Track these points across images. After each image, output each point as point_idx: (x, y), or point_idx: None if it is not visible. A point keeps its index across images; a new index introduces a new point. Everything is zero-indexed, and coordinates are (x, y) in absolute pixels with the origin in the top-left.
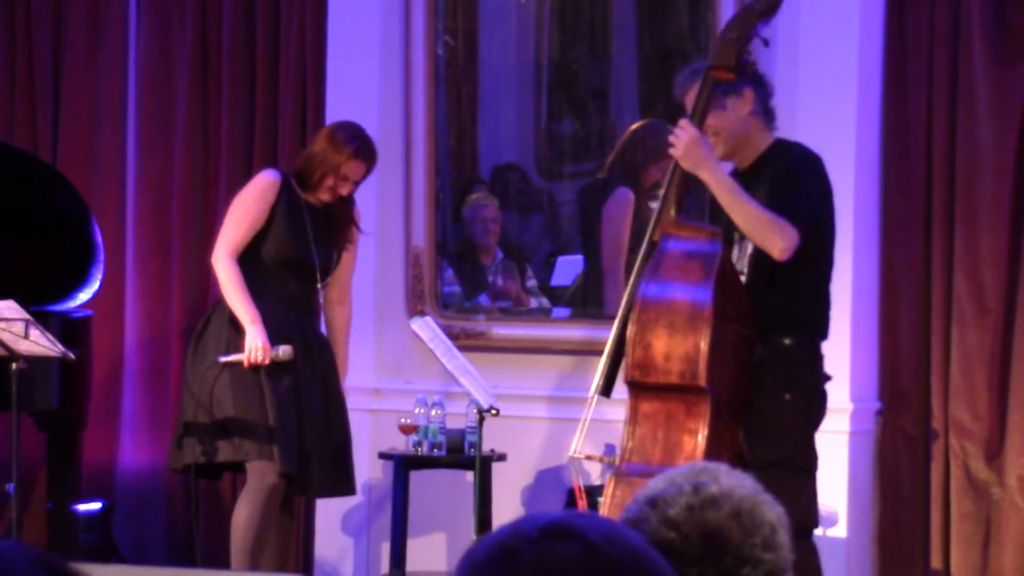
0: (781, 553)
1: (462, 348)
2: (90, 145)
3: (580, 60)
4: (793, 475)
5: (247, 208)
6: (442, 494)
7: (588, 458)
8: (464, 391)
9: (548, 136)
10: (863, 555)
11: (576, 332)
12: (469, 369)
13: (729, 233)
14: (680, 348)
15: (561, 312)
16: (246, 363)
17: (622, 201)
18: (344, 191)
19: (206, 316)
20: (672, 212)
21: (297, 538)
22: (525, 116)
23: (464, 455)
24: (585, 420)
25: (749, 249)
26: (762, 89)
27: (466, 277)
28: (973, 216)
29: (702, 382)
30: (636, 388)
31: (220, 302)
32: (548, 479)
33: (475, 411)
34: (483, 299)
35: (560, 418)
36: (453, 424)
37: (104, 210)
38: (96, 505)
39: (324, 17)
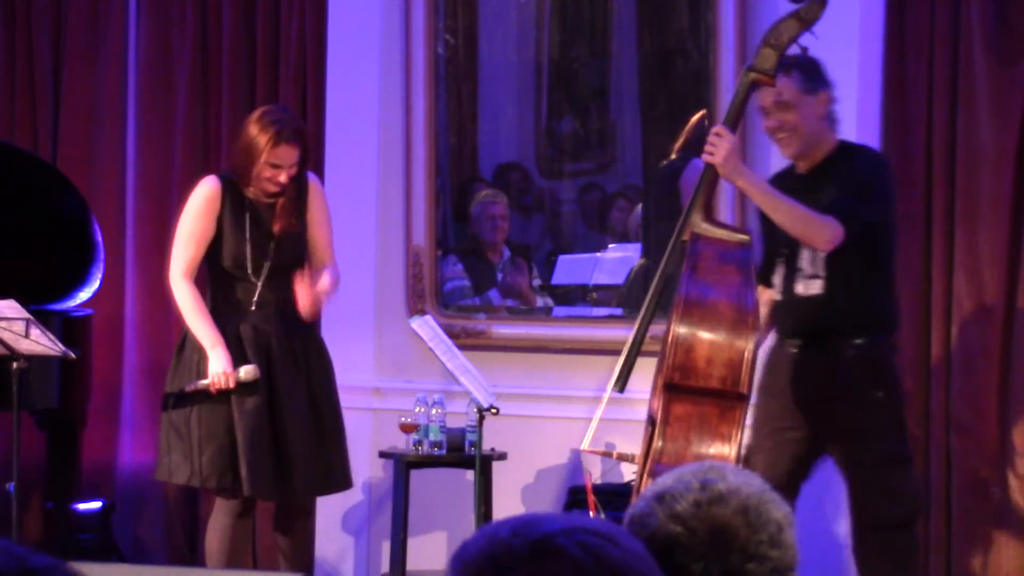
0: (787, 551)
1: (462, 347)
2: (90, 144)
3: (580, 59)
4: (901, 467)
5: (192, 225)
6: (442, 493)
7: (598, 453)
8: (464, 390)
9: (548, 135)
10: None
11: (578, 332)
12: (469, 368)
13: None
14: (724, 353)
15: (561, 311)
16: (212, 389)
17: (699, 169)
18: (283, 179)
19: (184, 330)
20: (701, 214)
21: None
22: (525, 115)
23: (464, 454)
24: (598, 416)
25: (821, 254)
26: (833, 96)
27: (474, 273)
28: (973, 215)
29: (744, 389)
30: (673, 390)
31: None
32: (549, 478)
33: (475, 410)
34: (494, 295)
35: (560, 417)
36: (453, 423)
37: (104, 209)
38: (96, 504)
39: (324, 16)
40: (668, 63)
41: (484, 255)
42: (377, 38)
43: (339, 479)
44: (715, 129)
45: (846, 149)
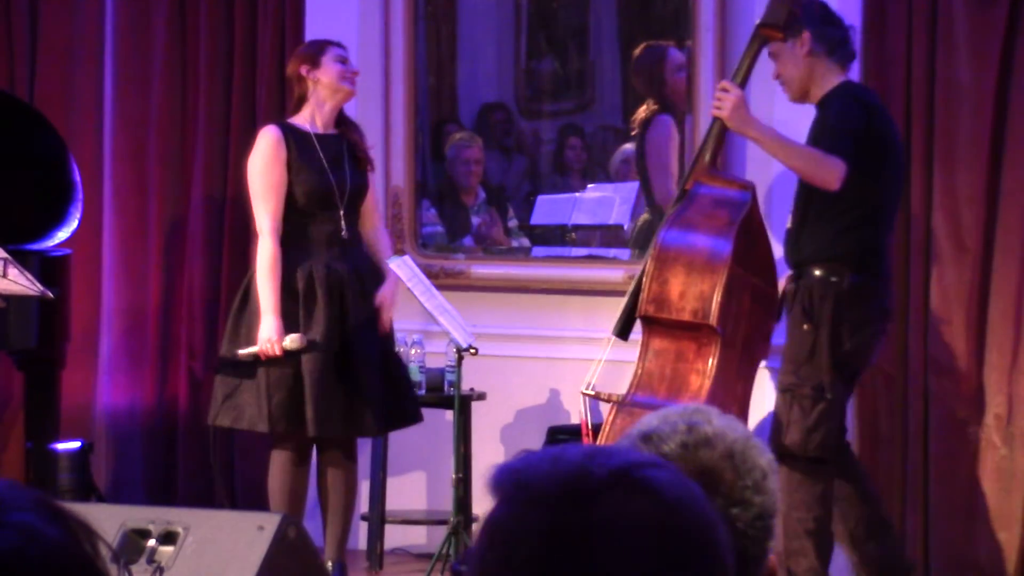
0: (770, 498)
1: (442, 287)
2: (67, 82)
3: None
4: (799, 402)
5: (266, 178)
6: (422, 433)
7: (598, 396)
8: (443, 330)
9: (528, 75)
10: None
11: (555, 271)
12: (448, 308)
13: None
14: (696, 287)
15: (540, 251)
16: (262, 356)
17: (664, 128)
18: (347, 71)
19: (246, 280)
20: (706, 163)
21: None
22: (504, 55)
23: (444, 394)
24: (601, 359)
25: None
26: (825, 28)
27: (448, 217)
28: (952, 155)
29: (714, 322)
30: (649, 323)
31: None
32: (528, 418)
33: (454, 350)
34: (467, 240)
35: (540, 357)
36: (433, 363)
37: (81, 148)
38: (75, 444)
39: None
40: (647, 1)
41: (459, 198)
42: None
43: (410, 414)
44: (721, 84)
45: (837, 90)
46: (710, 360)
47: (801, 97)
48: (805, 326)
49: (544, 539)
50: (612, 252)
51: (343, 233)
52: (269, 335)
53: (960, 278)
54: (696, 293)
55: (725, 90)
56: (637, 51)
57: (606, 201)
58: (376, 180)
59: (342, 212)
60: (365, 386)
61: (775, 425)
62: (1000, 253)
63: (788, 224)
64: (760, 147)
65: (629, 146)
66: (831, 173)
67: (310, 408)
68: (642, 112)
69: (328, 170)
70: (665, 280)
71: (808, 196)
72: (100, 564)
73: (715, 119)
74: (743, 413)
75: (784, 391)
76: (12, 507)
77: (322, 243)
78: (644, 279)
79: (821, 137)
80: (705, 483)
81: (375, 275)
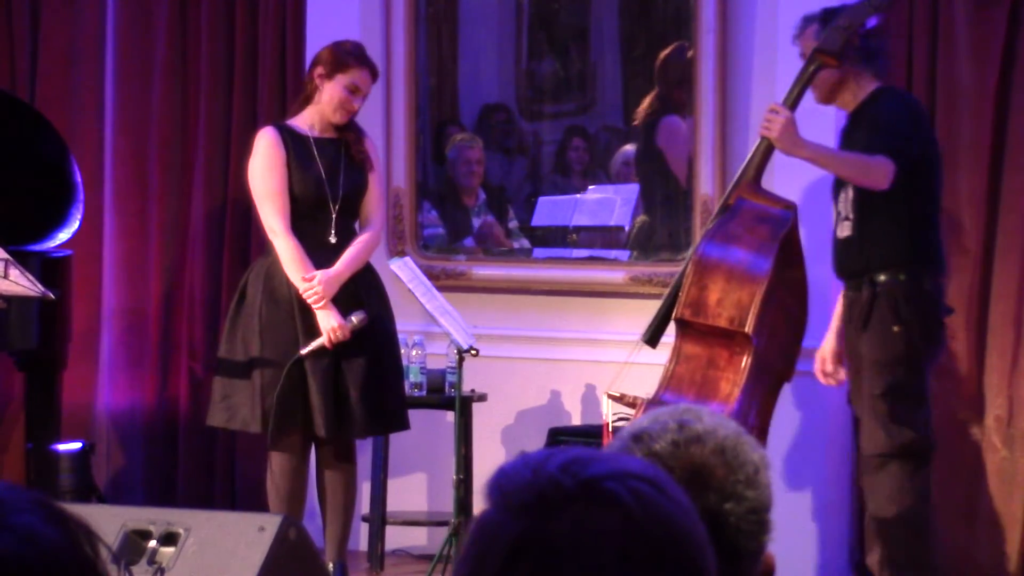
0: (763, 492)
1: (443, 289)
2: (68, 83)
3: None
4: (905, 401)
5: (267, 179)
6: (423, 435)
7: (623, 398)
8: (444, 331)
9: (529, 76)
10: (843, 495)
11: (556, 273)
12: (448, 309)
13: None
14: (734, 295)
15: (541, 252)
16: (328, 345)
17: (676, 125)
18: (357, 105)
19: (243, 280)
20: (750, 179)
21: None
22: (505, 56)
23: (444, 395)
24: (627, 362)
25: (850, 196)
26: (864, 39)
27: (449, 218)
28: (952, 157)
29: (749, 330)
30: (684, 327)
31: (254, 268)
32: (529, 419)
33: (455, 351)
34: (468, 242)
35: (541, 358)
36: (433, 364)
37: (82, 149)
38: (76, 445)
39: None
40: (649, 3)
41: (459, 199)
42: None
43: (393, 420)
44: (771, 106)
45: (879, 94)
46: (742, 368)
47: (827, 100)
48: (895, 328)
49: (511, 546)
50: (613, 254)
51: (331, 238)
52: (330, 324)
53: (960, 281)
54: (734, 300)
55: (775, 111)
56: (667, 51)
57: (607, 203)
58: (377, 180)
59: (334, 217)
60: (352, 389)
61: (877, 428)
62: (1001, 255)
63: (842, 233)
64: (813, 164)
65: (629, 148)
66: (881, 173)
67: (318, 410)
68: (644, 107)
69: (323, 175)
70: (704, 286)
71: (869, 203)
72: (100, 566)
73: (762, 138)
74: (763, 428)
75: (883, 393)
76: (12, 509)
77: (313, 248)
78: (684, 283)
79: (872, 137)
80: (697, 479)
81: (369, 284)
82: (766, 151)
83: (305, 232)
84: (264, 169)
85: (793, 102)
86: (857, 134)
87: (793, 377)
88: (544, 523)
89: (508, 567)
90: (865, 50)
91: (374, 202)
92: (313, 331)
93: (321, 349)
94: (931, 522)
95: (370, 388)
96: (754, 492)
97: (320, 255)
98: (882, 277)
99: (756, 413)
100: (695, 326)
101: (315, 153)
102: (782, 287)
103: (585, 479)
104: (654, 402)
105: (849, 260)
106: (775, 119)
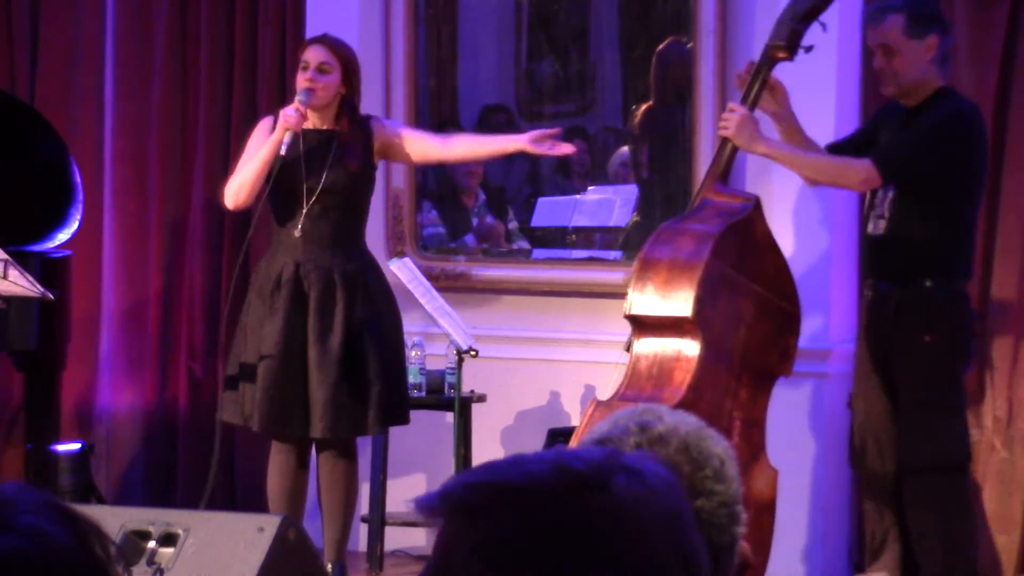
0: (731, 484)
1: (442, 289)
2: (68, 85)
3: (560, 0)
4: (942, 414)
5: (246, 153)
6: (422, 435)
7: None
8: (443, 332)
9: (528, 76)
10: (842, 495)
11: (556, 273)
12: (448, 310)
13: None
14: (675, 284)
15: (540, 253)
16: (284, 125)
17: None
18: (308, 78)
19: (235, 284)
20: (714, 181)
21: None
22: (505, 57)
23: (444, 396)
24: (618, 364)
25: (890, 195)
26: (946, 39)
27: (448, 218)
28: None
29: (691, 314)
30: (636, 325)
31: (253, 273)
32: (528, 420)
33: (455, 352)
34: (468, 239)
35: (540, 359)
36: (433, 365)
37: (82, 149)
38: (75, 446)
39: None
40: (648, 4)
41: (459, 199)
42: None
43: (396, 415)
44: (729, 105)
45: (941, 95)
46: (692, 355)
47: (900, 95)
48: (927, 338)
49: (548, 537)
50: (612, 254)
51: (296, 232)
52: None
53: None
54: (676, 287)
55: (732, 110)
56: (661, 46)
57: (606, 203)
58: (410, 129)
59: (304, 209)
60: (315, 391)
61: (918, 441)
62: (1000, 255)
63: (875, 231)
64: (777, 163)
65: (625, 149)
66: (855, 178)
67: (316, 409)
68: (643, 108)
69: (302, 164)
70: (648, 280)
71: (908, 204)
72: (110, 567)
73: (723, 139)
74: (750, 419)
75: (915, 406)
76: (20, 510)
77: (289, 244)
78: (630, 283)
79: (905, 138)
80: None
81: (353, 284)
82: (730, 152)
83: (278, 219)
84: (249, 144)
85: (752, 101)
86: (901, 134)
87: (791, 373)
88: (584, 502)
89: (550, 563)
90: (944, 49)
91: (430, 138)
92: (296, 320)
93: (277, 351)
94: (974, 535)
95: (374, 384)
96: (723, 486)
97: (290, 246)
98: (917, 282)
99: (730, 405)
100: (645, 321)
101: (300, 143)
102: (740, 273)
103: (597, 458)
104: (614, 400)
105: (876, 259)
106: (731, 117)
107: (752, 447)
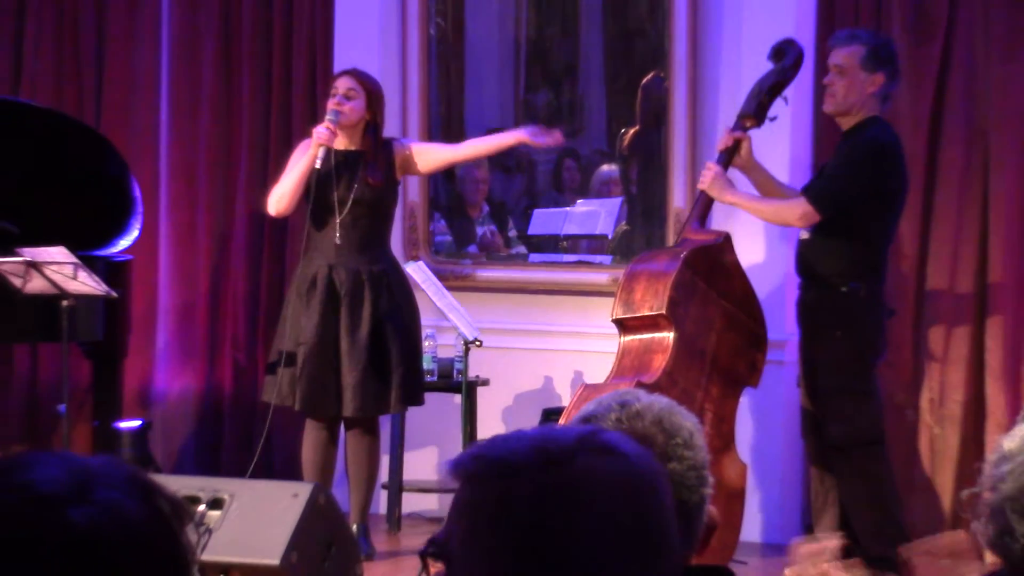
0: (699, 452)
1: (451, 288)
2: (128, 112)
3: (553, 39)
4: (854, 398)
5: (288, 166)
6: (434, 414)
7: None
8: (452, 325)
9: (526, 105)
10: (795, 466)
11: (549, 275)
12: (456, 306)
13: None
14: (652, 289)
15: (536, 257)
16: (319, 140)
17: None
18: (334, 103)
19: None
20: (692, 222)
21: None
22: (505, 87)
23: (453, 380)
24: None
25: None
26: (892, 83)
27: (456, 228)
28: None
29: (664, 310)
30: (621, 327)
31: (293, 274)
32: (526, 401)
33: (462, 342)
34: (472, 250)
35: (536, 348)
36: (444, 354)
37: (141, 168)
38: (135, 423)
39: (331, 2)
40: (629, 42)
41: (466, 212)
42: (377, 21)
43: (414, 396)
44: (708, 164)
45: (869, 123)
46: (667, 346)
47: (837, 115)
48: (839, 333)
49: (532, 504)
50: (598, 258)
51: (336, 239)
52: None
53: (900, 282)
54: (652, 293)
55: (708, 168)
56: (645, 79)
57: (593, 214)
58: (425, 143)
59: (338, 219)
60: (344, 374)
61: (823, 422)
62: (933, 259)
63: (802, 235)
64: (739, 208)
65: (606, 168)
66: (792, 216)
67: (347, 391)
68: (631, 132)
69: (333, 180)
70: (631, 289)
71: (828, 217)
72: (184, 542)
73: (701, 190)
74: (720, 414)
75: (829, 391)
76: (101, 483)
77: (325, 248)
78: (616, 293)
79: (816, 180)
80: (642, 447)
81: (380, 285)
82: (707, 200)
83: (316, 227)
84: (288, 165)
85: (726, 161)
86: (832, 160)
87: (758, 385)
88: (561, 474)
89: (533, 528)
90: (888, 91)
91: (437, 146)
92: (329, 315)
93: (316, 342)
94: (895, 497)
95: (396, 370)
96: (691, 452)
97: (334, 255)
98: (828, 284)
99: (706, 400)
100: (628, 323)
101: (332, 161)
102: (712, 287)
103: (577, 434)
104: (601, 386)
105: (802, 261)
106: (707, 173)
107: (723, 437)
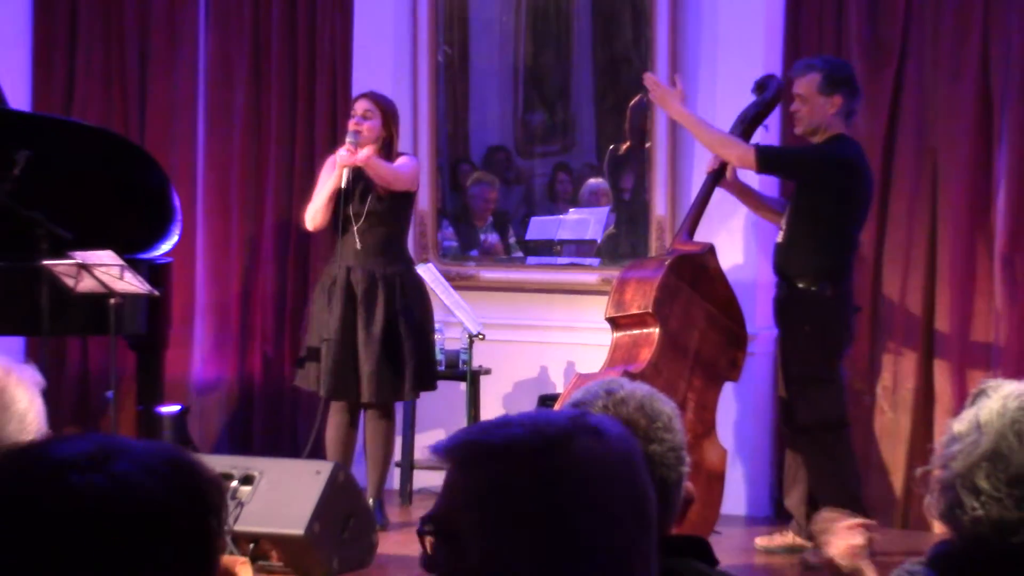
0: (677, 435)
1: (457, 288)
2: (169, 131)
3: (548, 64)
4: (820, 385)
5: (319, 182)
6: (442, 400)
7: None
8: (458, 320)
9: (523, 124)
10: (767, 447)
11: (544, 276)
12: (462, 304)
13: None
14: (640, 290)
15: (533, 260)
16: (343, 163)
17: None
18: (353, 123)
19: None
20: (681, 235)
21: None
22: (505, 108)
23: (458, 370)
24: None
25: (790, 208)
26: (852, 101)
27: (462, 235)
28: None
29: (651, 308)
30: (613, 325)
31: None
32: (524, 388)
33: (467, 336)
34: (475, 252)
35: (533, 342)
36: (450, 346)
37: (180, 181)
38: (175, 408)
39: (350, 31)
40: (616, 68)
41: (471, 221)
42: (391, 48)
43: (426, 383)
44: (647, 76)
45: (834, 139)
46: (653, 338)
47: (807, 133)
48: (806, 328)
49: (540, 484)
50: (587, 261)
51: (356, 244)
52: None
53: (860, 281)
54: (640, 294)
55: (656, 84)
56: (633, 101)
57: (584, 222)
58: (403, 159)
59: (355, 227)
60: (362, 363)
61: (792, 407)
62: (888, 262)
63: (778, 239)
64: (680, 123)
65: (593, 180)
66: (733, 153)
67: (366, 379)
68: (624, 147)
69: (351, 192)
70: (622, 291)
71: (799, 219)
72: (210, 527)
73: (694, 203)
74: (702, 402)
75: (797, 379)
76: (122, 458)
77: (347, 252)
78: (609, 295)
79: (792, 146)
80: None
81: (394, 287)
82: (695, 216)
83: (342, 233)
84: (318, 181)
85: (712, 185)
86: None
87: (738, 380)
88: (560, 456)
89: (538, 508)
90: (848, 109)
91: (399, 163)
92: (348, 311)
93: (338, 337)
94: (856, 476)
95: (409, 360)
96: (671, 435)
97: (347, 254)
98: (799, 284)
99: (689, 392)
100: (619, 321)
101: (349, 177)
102: (696, 290)
103: (569, 418)
104: (594, 376)
105: (777, 262)
106: (654, 86)
107: (704, 424)
